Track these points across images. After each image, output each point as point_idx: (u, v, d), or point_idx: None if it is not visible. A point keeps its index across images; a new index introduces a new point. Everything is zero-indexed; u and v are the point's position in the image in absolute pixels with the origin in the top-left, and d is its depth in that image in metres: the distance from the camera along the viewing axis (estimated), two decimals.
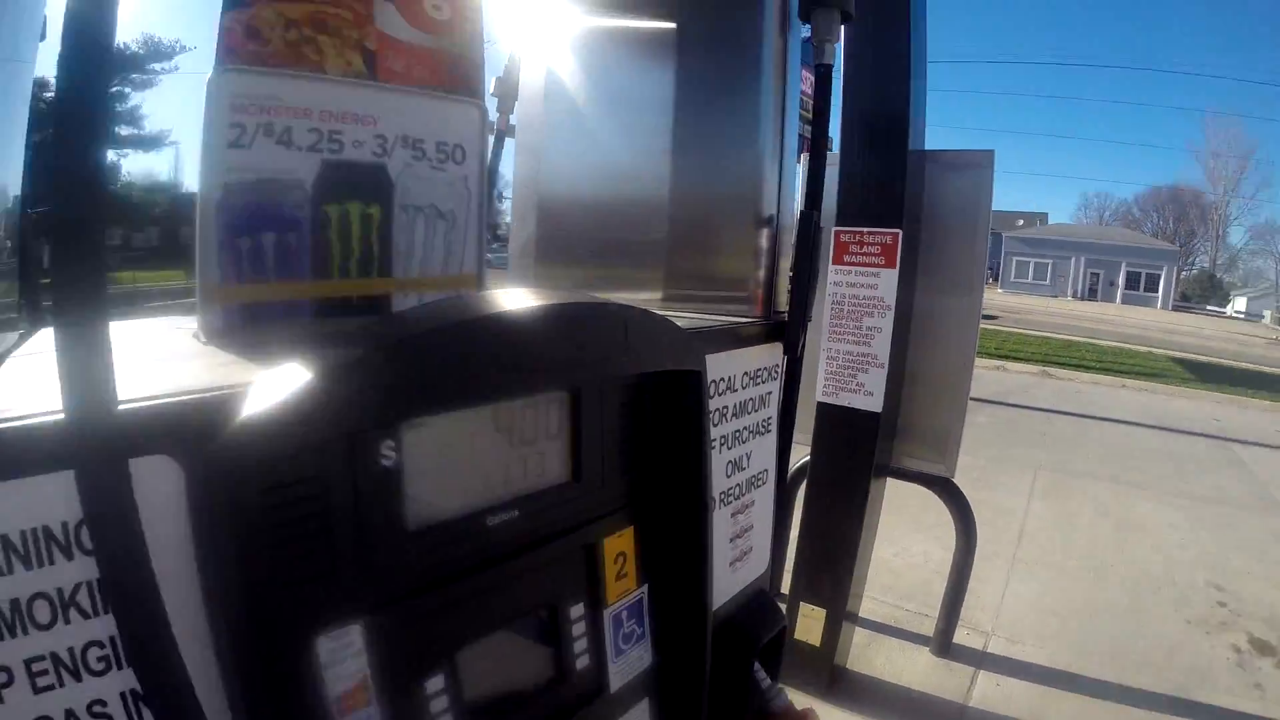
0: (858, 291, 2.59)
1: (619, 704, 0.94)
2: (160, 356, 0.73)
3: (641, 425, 0.94)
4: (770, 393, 1.30)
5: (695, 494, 0.96)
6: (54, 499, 0.51)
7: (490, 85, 1.69)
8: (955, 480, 3.06)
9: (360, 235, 0.86)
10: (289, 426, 0.57)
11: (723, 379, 1.15)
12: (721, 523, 1.17)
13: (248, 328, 0.79)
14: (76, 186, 0.49)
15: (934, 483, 3.06)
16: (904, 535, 4.47)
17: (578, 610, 0.88)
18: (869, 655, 3.48)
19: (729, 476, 1.20)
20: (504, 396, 0.77)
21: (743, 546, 1.25)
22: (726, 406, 1.17)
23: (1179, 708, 3.51)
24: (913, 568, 4.23)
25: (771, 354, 1.29)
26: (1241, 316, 46.65)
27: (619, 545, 0.92)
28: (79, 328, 0.48)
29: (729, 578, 1.21)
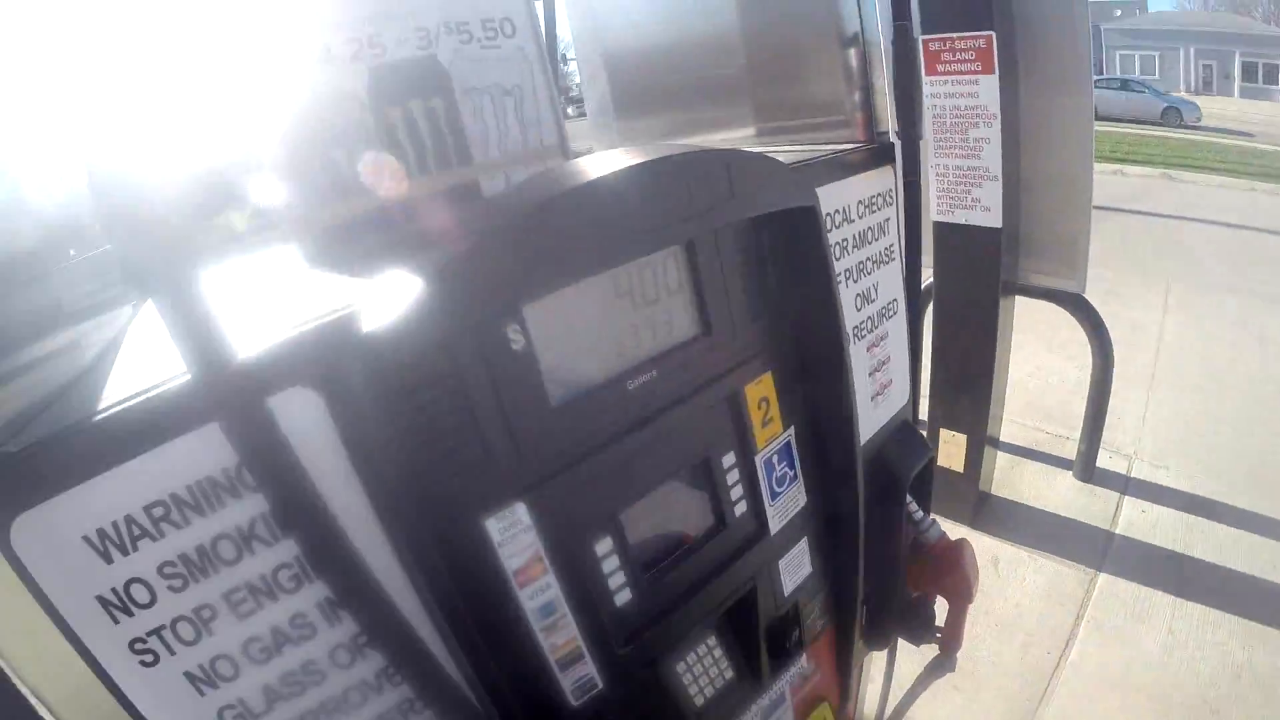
0: (958, 102, 2.34)
1: (780, 546, 0.95)
2: (267, 294, 0.73)
3: (763, 269, 0.88)
4: (888, 219, 1.19)
5: (830, 330, 0.91)
6: (207, 451, 0.53)
7: None
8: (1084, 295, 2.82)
9: (430, 130, 0.82)
10: (410, 332, 0.56)
11: (838, 211, 1.06)
12: (859, 357, 1.11)
13: (347, 245, 0.77)
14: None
15: (1064, 299, 2.81)
16: (1036, 354, 4.18)
17: (730, 459, 0.87)
18: (1012, 480, 3.31)
19: (859, 310, 1.12)
20: (616, 261, 0.73)
21: (882, 380, 1.19)
22: (846, 239, 1.08)
23: None
24: (1048, 388, 3.98)
25: (883, 179, 1.17)
26: None
27: (760, 391, 0.89)
28: (173, 293, 0.47)
29: (872, 412, 1.16)
